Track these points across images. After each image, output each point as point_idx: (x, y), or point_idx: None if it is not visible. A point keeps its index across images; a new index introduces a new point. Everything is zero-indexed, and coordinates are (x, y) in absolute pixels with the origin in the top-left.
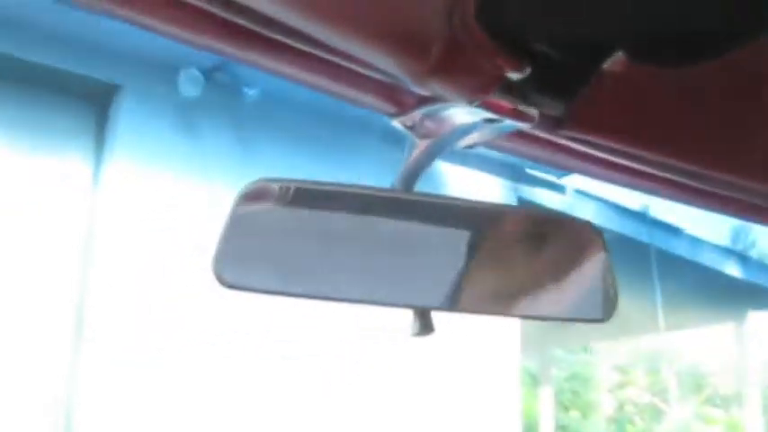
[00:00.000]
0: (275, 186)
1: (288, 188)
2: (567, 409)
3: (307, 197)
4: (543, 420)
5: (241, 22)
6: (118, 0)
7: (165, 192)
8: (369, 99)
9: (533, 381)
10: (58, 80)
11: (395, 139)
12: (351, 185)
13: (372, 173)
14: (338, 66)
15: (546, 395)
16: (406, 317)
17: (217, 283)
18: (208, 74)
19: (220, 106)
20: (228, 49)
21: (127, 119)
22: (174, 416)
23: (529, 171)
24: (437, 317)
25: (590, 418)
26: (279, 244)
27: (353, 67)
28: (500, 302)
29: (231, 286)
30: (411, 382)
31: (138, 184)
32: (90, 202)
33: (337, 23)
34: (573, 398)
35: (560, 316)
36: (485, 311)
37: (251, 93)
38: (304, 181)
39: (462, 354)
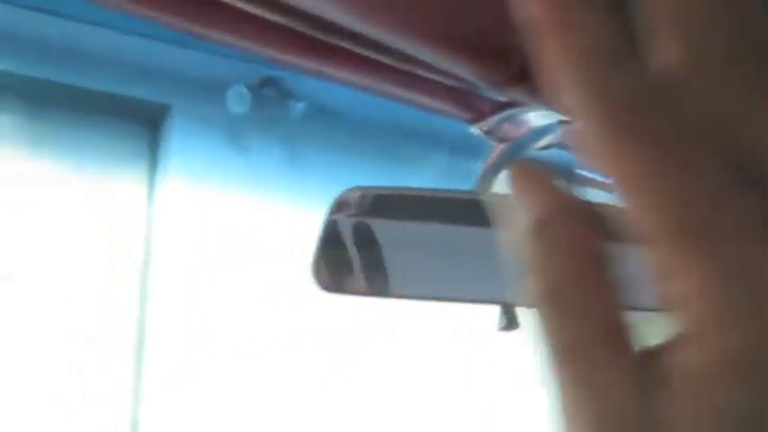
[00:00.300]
0: (366, 193)
1: (377, 195)
2: None
3: (395, 202)
4: None
5: (316, 35)
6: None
7: (218, 208)
8: (445, 107)
9: None
10: (110, 104)
11: (449, 151)
12: (435, 189)
13: (423, 184)
14: (413, 74)
15: None
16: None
17: (307, 292)
18: (255, 90)
19: (269, 121)
20: (301, 61)
21: (178, 138)
22: (234, 427)
23: (578, 171)
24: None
25: None
26: (371, 248)
27: (429, 75)
28: None
29: (329, 290)
30: (449, 381)
31: (192, 202)
32: (146, 221)
33: (416, 34)
34: None
35: (645, 306)
36: None
37: (298, 106)
38: (392, 187)
39: (500, 353)
